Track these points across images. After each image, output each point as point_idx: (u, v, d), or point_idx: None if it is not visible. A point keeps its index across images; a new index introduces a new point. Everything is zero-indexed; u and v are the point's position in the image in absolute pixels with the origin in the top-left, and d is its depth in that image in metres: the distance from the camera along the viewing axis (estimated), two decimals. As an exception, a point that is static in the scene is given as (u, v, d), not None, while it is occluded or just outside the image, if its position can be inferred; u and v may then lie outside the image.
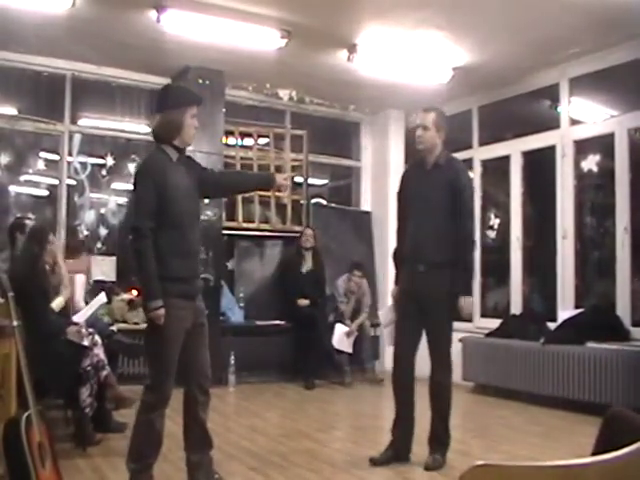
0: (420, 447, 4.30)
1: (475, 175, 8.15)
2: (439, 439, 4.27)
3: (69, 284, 5.41)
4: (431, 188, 4.28)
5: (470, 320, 7.32)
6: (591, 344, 6.11)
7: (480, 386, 7.20)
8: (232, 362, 7.14)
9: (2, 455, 2.87)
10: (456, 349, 7.25)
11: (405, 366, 4.32)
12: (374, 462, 4.21)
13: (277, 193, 7.82)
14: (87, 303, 5.59)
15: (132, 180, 3.54)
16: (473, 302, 4.34)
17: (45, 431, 3.03)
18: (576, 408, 5.93)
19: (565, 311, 6.73)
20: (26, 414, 2.93)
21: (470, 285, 4.28)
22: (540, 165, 7.53)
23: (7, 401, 3.37)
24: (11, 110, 7.16)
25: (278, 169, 8.37)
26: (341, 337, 7.57)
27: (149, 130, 3.68)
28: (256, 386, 7.26)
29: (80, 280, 6.28)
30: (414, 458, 4.29)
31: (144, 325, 3.64)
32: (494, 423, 5.74)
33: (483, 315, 7.91)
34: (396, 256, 4.54)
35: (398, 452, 4.27)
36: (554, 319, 6.80)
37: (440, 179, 4.27)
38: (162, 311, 3.32)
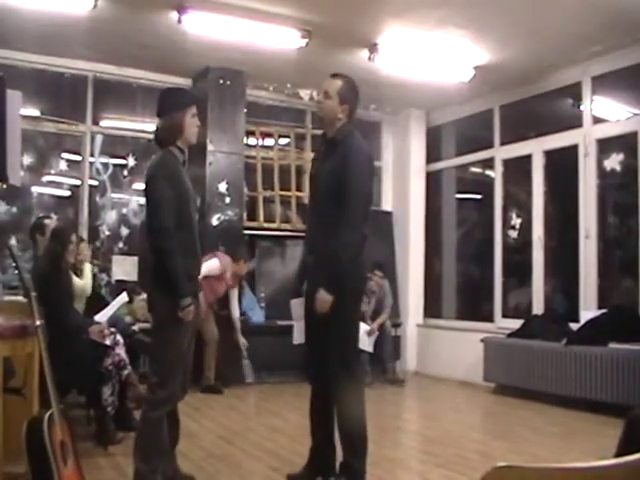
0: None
1: (496, 174, 8.11)
2: (345, 467, 3.74)
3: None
4: (323, 170, 3.71)
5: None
6: (614, 345, 6.04)
7: (501, 387, 7.16)
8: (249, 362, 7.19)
9: (25, 453, 2.89)
10: (477, 350, 7.31)
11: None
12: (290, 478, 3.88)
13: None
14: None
15: (146, 182, 3.52)
16: (326, 300, 3.49)
17: (67, 429, 3.04)
18: (598, 409, 5.87)
19: (587, 311, 6.67)
20: (49, 413, 2.95)
21: (326, 278, 3.53)
22: (562, 164, 7.47)
23: (30, 400, 3.40)
24: (33, 111, 7.21)
25: (299, 169, 8.38)
26: (362, 336, 7.54)
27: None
28: (276, 386, 7.26)
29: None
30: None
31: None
32: (515, 424, 5.70)
33: (505, 315, 7.85)
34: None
35: (318, 468, 3.85)
36: (576, 319, 6.74)
37: (332, 159, 3.65)
38: (192, 307, 3.38)
